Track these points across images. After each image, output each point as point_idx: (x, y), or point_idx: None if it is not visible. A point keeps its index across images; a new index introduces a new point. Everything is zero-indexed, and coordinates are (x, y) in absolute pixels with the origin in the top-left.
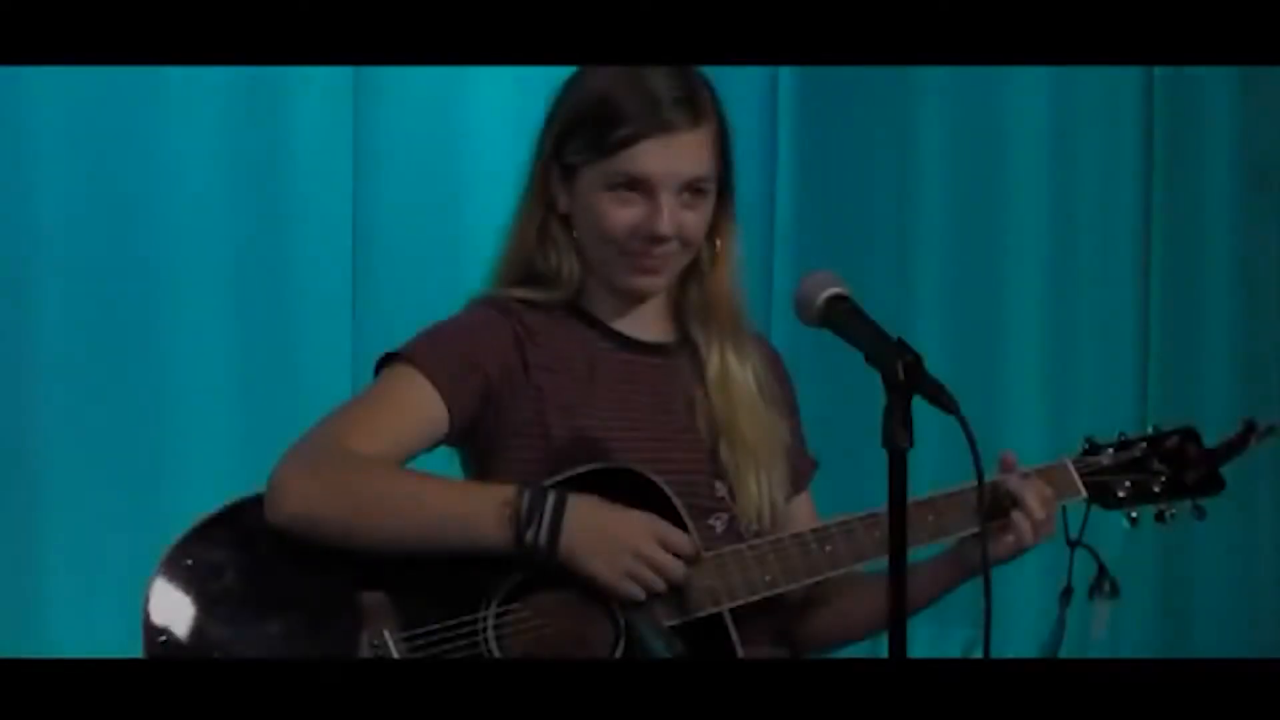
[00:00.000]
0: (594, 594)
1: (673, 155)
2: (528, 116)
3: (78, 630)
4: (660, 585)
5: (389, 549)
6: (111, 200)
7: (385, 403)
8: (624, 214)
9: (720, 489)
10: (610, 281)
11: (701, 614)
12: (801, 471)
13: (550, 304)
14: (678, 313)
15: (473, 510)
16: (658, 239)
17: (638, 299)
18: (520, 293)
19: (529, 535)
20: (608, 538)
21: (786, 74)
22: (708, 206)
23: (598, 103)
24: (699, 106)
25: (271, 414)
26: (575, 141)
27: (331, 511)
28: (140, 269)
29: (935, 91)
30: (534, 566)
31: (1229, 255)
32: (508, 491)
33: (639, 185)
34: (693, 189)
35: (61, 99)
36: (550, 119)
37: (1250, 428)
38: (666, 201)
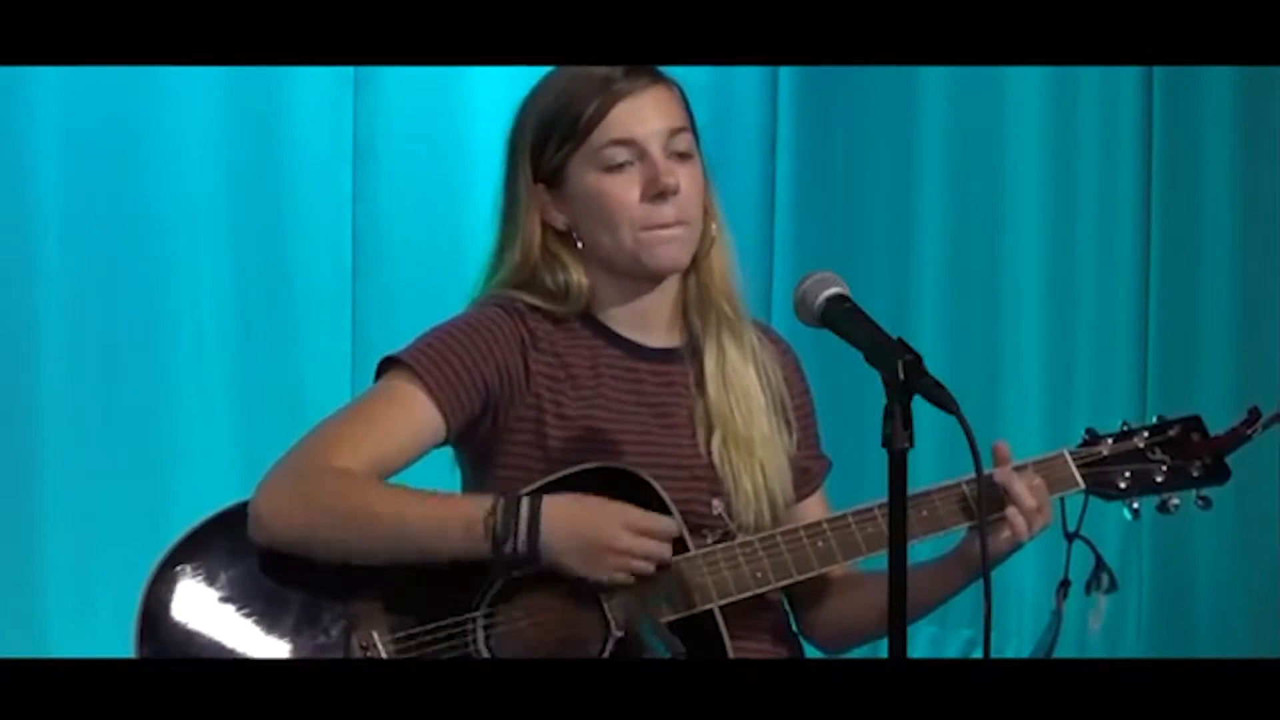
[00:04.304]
0: (584, 592)
1: (648, 112)
2: None
3: (77, 630)
4: (649, 569)
5: (371, 562)
6: (111, 199)
7: (377, 415)
8: (622, 183)
9: (717, 506)
10: (634, 268)
11: (692, 611)
12: (814, 471)
13: (561, 314)
14: (684, 312)
15: (449, 528)
16: (662, 193)
17: (660, 280)
18: (532, 299)
19: (507, 548)
20: (585, 538)
21: (786, 74)
22: (696, 171)
23: (555, 106)
24: (650, 71)
25: (271, 413)
26: (549, 145)
27: (313, 534)
28: (140, 268)
29: (935, 91)
30: (522, 573)
31: (1228, 253)
32: (484, 505)
33: (628, 150)
34: (678, 150)
35: (61, 99)
36: (514, 149)
37: (1255, 415)
38: (659, 158)
